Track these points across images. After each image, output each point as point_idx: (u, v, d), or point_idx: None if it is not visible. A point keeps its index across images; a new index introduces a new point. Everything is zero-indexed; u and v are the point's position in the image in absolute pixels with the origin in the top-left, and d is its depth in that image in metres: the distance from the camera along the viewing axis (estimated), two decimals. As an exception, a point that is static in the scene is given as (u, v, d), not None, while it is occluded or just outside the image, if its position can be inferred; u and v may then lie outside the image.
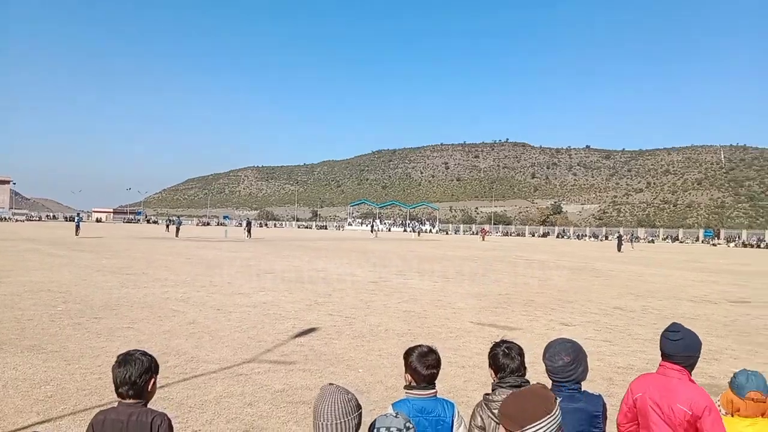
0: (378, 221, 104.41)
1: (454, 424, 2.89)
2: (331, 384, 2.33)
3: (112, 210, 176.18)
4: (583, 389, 3.03)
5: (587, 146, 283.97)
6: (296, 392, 6.53)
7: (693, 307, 14.80)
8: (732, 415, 3.09)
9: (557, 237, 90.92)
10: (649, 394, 3.04)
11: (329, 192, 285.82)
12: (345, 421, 2.22)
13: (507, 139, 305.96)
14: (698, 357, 3.10)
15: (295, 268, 22.21)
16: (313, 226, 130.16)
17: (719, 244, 71.88)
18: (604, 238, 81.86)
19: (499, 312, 12.94)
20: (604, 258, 36.79)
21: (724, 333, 11.30)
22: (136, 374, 2.66)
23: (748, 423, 3.02)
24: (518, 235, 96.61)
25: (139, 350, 2.81)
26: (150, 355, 2.78)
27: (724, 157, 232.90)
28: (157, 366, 2.79)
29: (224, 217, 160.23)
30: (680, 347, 3.05)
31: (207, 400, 6.12)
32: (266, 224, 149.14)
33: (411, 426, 2.32)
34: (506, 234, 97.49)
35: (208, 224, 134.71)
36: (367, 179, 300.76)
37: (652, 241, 77.46)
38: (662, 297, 16.78)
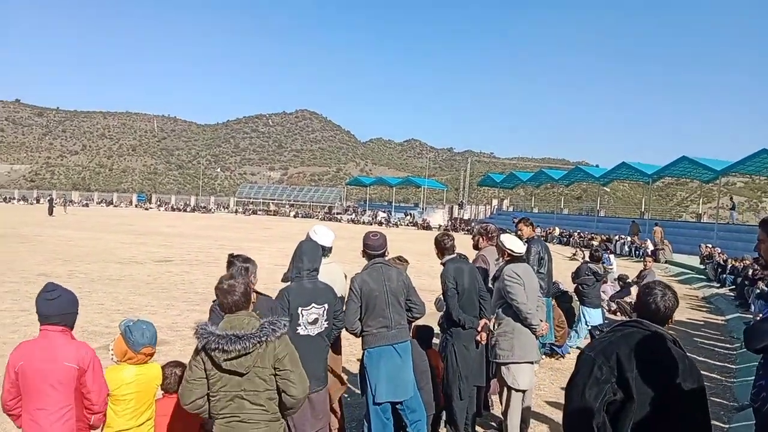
0: None
1: None
2: None
3: None
4: None
5: (17, 100, 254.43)
6: None
7: (120, 268, 15.34)
8: (121, 362, 3.33)
9: (-22, 200, 78.95)
10: (32, 360, 2.95)
11: None
12: None
13: None
14: (77, 313, 3.20)
15: None
16: None
17: (151, 208, 76.35)
18: (35, 202, 75.64)
19: None
20: (33, 223, 34.06)
21: (146, 291, 12.14)
22: None
23: (135, 369, 3.31)
24: (-76, 197, 79.46)
25: None
26: None
27: (157, 126, 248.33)
28: None
29: None
30: (57, 307, 3.07)
31: None
32: None
33: None
34: None
35: None
36: None
37: (87, 205, 76.01)
38: (91, 260, 16.76)
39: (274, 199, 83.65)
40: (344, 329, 4.41)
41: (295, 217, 68.52)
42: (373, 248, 4.56)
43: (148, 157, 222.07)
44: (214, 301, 3.77)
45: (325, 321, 4.08)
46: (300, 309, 3.95)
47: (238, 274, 3.24)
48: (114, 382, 3.23)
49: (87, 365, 3.05)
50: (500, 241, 5.34)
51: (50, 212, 45.27)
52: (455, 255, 5.24)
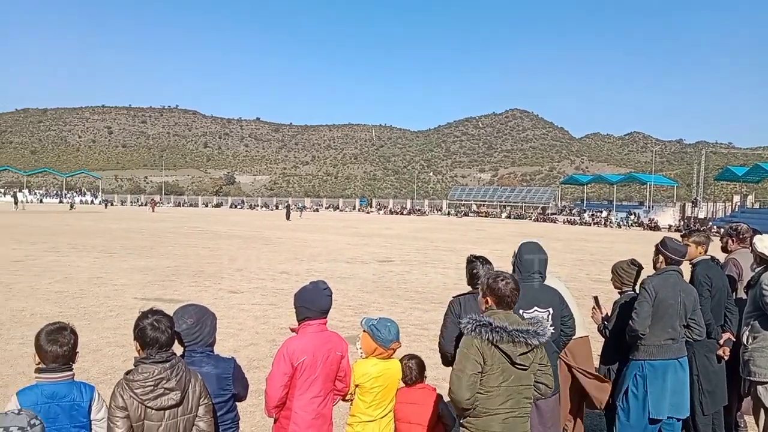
0: (26, 191, 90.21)
1: (93, 408, 2.65)
2: None
3: None
4: (216, 353, 3.08)
5: (257, 118, 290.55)
6: None
7: (348, 267, 16.56)
8: (368, 357, 3.54)
9: (231, 207, 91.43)
10: (314, 353, 3.25)
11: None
12: None
13: (177, 106, 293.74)
14: None
15: None
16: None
17: (372, 211, 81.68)
18: (275, 208, 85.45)
19: (167, 285, 12.52)
20: (274, 226, 38.44)
21: (372, 289, 12.91)
22: None
23: (381, 364, 3.50)
24: (191, 205, 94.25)
25: None
26: None
27: (375, 135, 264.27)
28: None
29: None
30: (331, 301, 3.46)
31: None
32: None
33: (38, 422, 2.04)
34: (178, 204, 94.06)
35: None
36: (11, 142, 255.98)
37: (317, 210, 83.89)
38: (323, 260, 18.36)
39: (485, 201, 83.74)
40: (635, 334, 4.07)
41: (507, 218, 67.85)
42: (679, 254, 4.22)
43: (368, 164, 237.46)
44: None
45: (551, 326, 3.91)
46: (521, 311, 3.83)
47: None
48: (363, 374, 3.47)
49: (345, 352, 3.42)
50: (753, 244, 4.65)
51: (287, 217, 50.81)
52: (708, 257, 4.70)
